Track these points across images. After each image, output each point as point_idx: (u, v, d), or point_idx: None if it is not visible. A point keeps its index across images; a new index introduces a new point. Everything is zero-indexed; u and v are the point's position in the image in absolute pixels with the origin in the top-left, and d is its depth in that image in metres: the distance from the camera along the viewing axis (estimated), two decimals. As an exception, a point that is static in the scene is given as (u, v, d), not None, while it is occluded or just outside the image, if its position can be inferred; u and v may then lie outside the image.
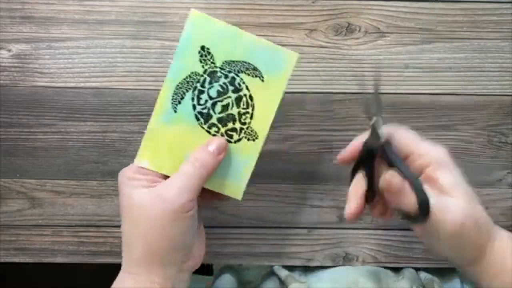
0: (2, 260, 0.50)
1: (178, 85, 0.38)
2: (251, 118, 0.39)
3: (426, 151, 0.36)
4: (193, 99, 0.39)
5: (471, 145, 0.51)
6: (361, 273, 0.49)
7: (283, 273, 0.50)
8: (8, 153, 0.50)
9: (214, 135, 0.39)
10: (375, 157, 0.37)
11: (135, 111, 0.50)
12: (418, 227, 0.37)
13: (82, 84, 0.50)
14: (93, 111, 0.50)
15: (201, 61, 0.38)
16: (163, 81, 0.51)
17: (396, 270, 0.51)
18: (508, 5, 0.51)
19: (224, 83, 0.39)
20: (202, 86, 0.38)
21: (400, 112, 0.51)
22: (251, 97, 0.39)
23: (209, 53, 0.38)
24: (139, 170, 0.38)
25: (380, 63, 0.51)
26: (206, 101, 0.39)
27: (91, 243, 0.51)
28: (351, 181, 0.39)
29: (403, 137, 0.38)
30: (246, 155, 0.39)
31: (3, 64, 0.50)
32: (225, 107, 0.39)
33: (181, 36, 0.38)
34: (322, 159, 0.51)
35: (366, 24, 0.51)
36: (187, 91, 0.38)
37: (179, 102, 0.38)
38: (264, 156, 0.41)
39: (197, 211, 0.37)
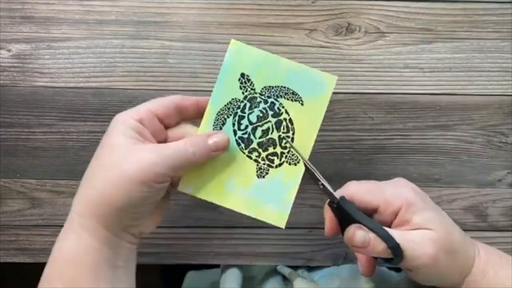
0: (2, 260, 0.50)
1: (219, 112, 0.39)
2: (292, 142, 0.39)
3: (392, 198, 0.38)
4: (234, 124, 0.39)
5: (471, 145, 0.51)
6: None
7: (286, 270, 0.50)
8: (8, 153, 0.50)
9: (255, 160, 0.39)
10: (350, 213, 0.38)
11: (135, 111, 0.50)
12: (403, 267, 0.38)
13: (82, 84, 0.50)
14: (93, 111, 0.50)
15: (241, 88, 0.39)
16: (163, 81, 0.51)
17: (397, 269, 0.51)
18: (508, 5, 0.51)
19: (264, 108, 0.39)
20: (243, 111, 0.39)
21: (400, 112, 0.51)
22: (291, 121, 0.39)
23: (248, 80, 0.39)
24: (135, 117, 0.36)
25: (379, 63, 0.51)
26: (246, 126, 0.39)
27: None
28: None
29: (366, 191, 0.39)
30: (288, 180, 0.39)
31: (3, 64, 0.50)
32: (265, 132, 0.39)
33: (222, 64, 0.39)
34: (322, 159, 0.51)
35: (366, 24, 0.51)
36: (228, 117, 0.39)
37: (221, 128, 0.39)
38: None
39: (166, 188, 0.36)
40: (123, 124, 0.36)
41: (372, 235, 0.35)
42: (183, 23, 0.50)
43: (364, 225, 0.36)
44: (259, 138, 0.39)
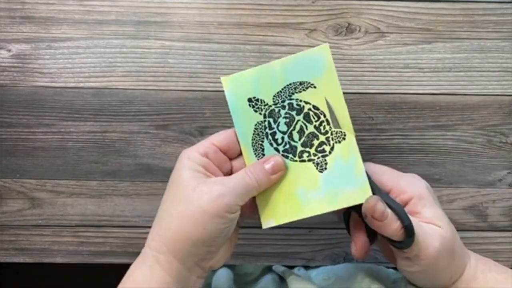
0: (2, 260, 0.50)
1: (252, 142, 0.39)
2: (328, 124, 0.39)
3: (406, 188, 0.38)
4: (271, 144, 0.39)
5: (471, 145, 0.51)
6: (361, 269, 0.49)
7: (280, 268, 0.50)
8: (8, 153, 0.50)
9: (309, 160, 0.39)
10: None
11: (135, 111, 0.50)
12: (401, 255, 0.38)
13: (82, 84, 0.50)
14: (93, 111, 0.50)
15: (256, 111, 0.39)
16: (163, 81, 0.51)
17: (395, 268, 0.51)
18: (508, 5, 0.51)
19: (286, 113, 0.39)
20: (271, 128, 0.39)
21: (400, 112, 0.51)
22: (315, 107, 0.39)
23: (257, 100, 0.39)
24: (200, 151, 0.37)
25: (379, 63, 0.51)
26: (282, 138, 0.39)
27: (91, 243, 0.51)
28: (347, 226, 0.41)
29: (383, 174, 0.39)
30: (348, 157, 0.38)
31: (3, 64, 0.50)
32: (300, 131, 0.39)
33: (227, 103, 0.39)
34: (322, 159, 0.51)
35: (366, 24, 0.51)
36: (262, 141, 0.39)
37: (263, 154, 0.39)
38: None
39: (237, 217, 0.37)
40: (189, 159, 0.37)
41: (390, 211, 0.35)
42: (183, 23, 0.50)
43: (385, 201, 0.36)
44: (299, 139, 0.39)
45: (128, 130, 0.50)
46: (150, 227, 0.51)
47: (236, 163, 0.40)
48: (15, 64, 0.50)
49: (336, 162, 0.39)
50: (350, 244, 0.40)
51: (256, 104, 0.39)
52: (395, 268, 0.51)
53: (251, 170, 0.37)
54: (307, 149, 0.39)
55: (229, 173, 0.39)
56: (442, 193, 0.51)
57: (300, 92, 0.39)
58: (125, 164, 0.50)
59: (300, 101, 0.39)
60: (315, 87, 0.39)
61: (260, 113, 0.39)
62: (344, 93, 0.50)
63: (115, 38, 0.50)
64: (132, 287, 0.36)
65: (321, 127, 0.39)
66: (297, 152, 0.39)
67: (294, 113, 0.39)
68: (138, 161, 0.50)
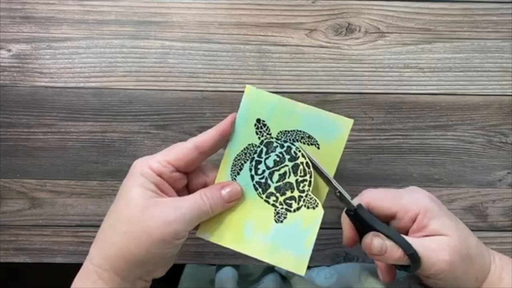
0: (2, 260, 0.50)
1: (236, 157, 0.39)
2: (309, 185, 0.39)
3: (410, 205, 0.38)
4: (251, 169, 0.39)
5: (471, 145, 0.51)
6: (364, 268, 0.49)
7: (284, 269, 0.50)
8: (8, 153, 0.50)
9: (273, 204, 0.39)
10: (367, 222, 0.38)
11: (135, 111, 0.50)
12: (421, 274, 0.38)
13: (82, 84, 0.50)
14: (93, 111, 0.50)
15: (257, 133, 0.39)
16: (163, 81, 0.51)
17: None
18: (508, 5, 0.51)
19: (280, 153, 0.39)
20: (259, 156, 0.39)
21: (400, 112, 0.51)
22: (308, 164, 0.39)
23: (264, 125, 0.39)
24: (155, 169, 0.36)
25: (379, 63, 0.51)
26: (263, 171, 0.39)
27: (91, 243, 0.50)
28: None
29: (383, 198, 0.39)
30: (307, 225, 0.38)
31: (3, 64, 0.50)
32: (282, 176, 0.39)
33: (238, 110, 0.39)
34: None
35: (366, 24, 0.51)
36: (245, 162, 0.39)
37: (238, 173, 0.39)
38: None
39: (184, 241, 0.37)
40: (142, 176, 0.36)
41: (389, 242, 0.36)
42: (183, 23, 0.50)
43: (382, 233, 0.36)
44: (276, 182, 0.39)
45: (128, 130, 0.50)
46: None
47: (193, 179, 0.39)
48: (15, 64, 0.50)
49: (294, 222, 0.38)
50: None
51: (261, 128, 0.39)
52: (397, 268, 0.51)
53: (207, 195, 0.36)
54: (278, 194, 0.39)
55: (184, 188, 0.39)
56: (442, 193, 0.51)
57: (304, 143, 0.39)
58: (125, 164, 0.50)
59: (299, 150, 0.39)
60: (318, 148, 0.39)
61: (259, 138, 0.39)
62: (344, 93, 0.51)
63: (115, 38, 0.50)
64: None
65: (302, 184, 0.39)
66: (268, 191, 0.39)
67: (287, 157, 0.39)
68: (138, 161, 0.50)
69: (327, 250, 0.51)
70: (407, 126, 0.51)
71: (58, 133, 0.50)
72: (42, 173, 0.50)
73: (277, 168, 0.39)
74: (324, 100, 0.51)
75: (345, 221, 0.39)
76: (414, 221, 0.38)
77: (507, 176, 0.51)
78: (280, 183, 0.39)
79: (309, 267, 0.52)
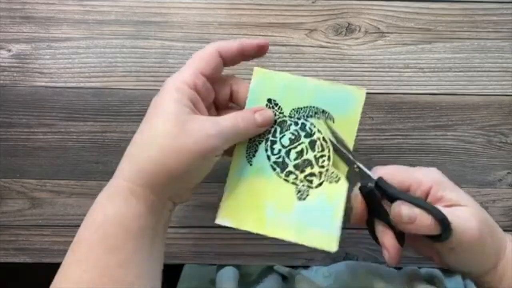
0: (2, 260, 0.50)
1: (251, 139, 0.38)
2: (328, 160, 0.38)
3: (423, 178, 0.37)
4: (266, 150, 0.38)
5: (471, 145, 0.51)
6: (361, 267, 0.49)
7: (285, 269, 0.50)
8: (8, 153, 0.50)
9: (293, 183, 0.38)
10: (379, 200, 0.37)
11: (135, 111, 0.50)
12: (445, 249, 0.37)
13: (82, 84, 0.50)
14: (93, 111, 0.50)
15: None
16: (163, 81, 0.51)
17: (398, 268, 0.51)
18: (508, 5, 0.51)
19: (295, 130, 0.38)
20: (274, 136, 0.38)
21: (400, 112, 0.51)
22: (324, 139, 0.38)
23: (276, 104, 0.38)
24: (190, 83, 0.35)
25: (379, 63, 0.51)
26: (279, 150, 0.38)
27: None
28: (372, 234, 0.39)
29: (396, 173, 0.38)
30: (332, 200, 0.37)
31: (3, 64, 0.50)
32: (299, 153, 0.38)
33: (248, 92, 0.38)
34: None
35: (366, 24, 0.51)
36: (259, 143, 0.38)
37: (254, 155, 0.38)
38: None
39: (218, 159, 0.36)
40: (178, 92, 0.35)
41: (417, 210, 0.34)
42: (183, 23, 0.50)
43: (409, 202, 0.35)
44: (294, 160, 0.38)
45: (128, 130, 0.50)
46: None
47: (218, 87, 0.38)
48: (15, 64, 0.50)
49: (318, 199, 0.37)
50: (382, 251, 0.38)
51: (273, 108, 0.38)
52: (398, 268, 0.51)
53: (243, 117, 0.36)
54: (297, 172, 0.38)
55: (212, 105, 0.39)
56: (442, 193, 0.51)
57: (318, 118, 0.38)
58: (125, 164, 0.50)
59: (314, 126, 0.38)
60: (333, 121, 0.38)
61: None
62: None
63: (115, 38, 0.50)
64: (106, 220, 0.34)
65: (321, 160, 0.38)
66: (286, 170, 0.38)
67: (302, 134, 0.38)
68: (138, 161, 0.50)
69: (327, 250, 0.51)
70: (407, 126, 0.51)
71: (58, 133, 0.50)
72: (42, 173, 0.50)
73: (294, 146, 0.38)
74: (324, 100, 0.51)
75: (357, 198, 0.38)
76: (427, 194, 0.37)
77: (507, 176, 0.51)
78: (298, 160, 0.38)
79: (307, 267, 0.52)
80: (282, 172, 0.38)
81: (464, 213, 0.35)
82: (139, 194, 0.34)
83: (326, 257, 0.51)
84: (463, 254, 0.36)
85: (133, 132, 0.50)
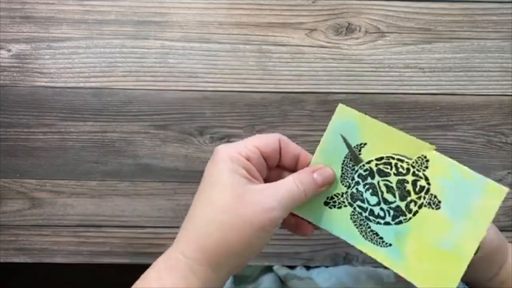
0: (2, 260, 0.50)
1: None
2: (402, 162, 0.34)
3: None
4: (378, 223, 0.34)
5: (471, 145, 0.51)
6: (362, 271, 0.49)
7: (283, 271, 0.50)
8: (8, 153, 0.50)
9: (421, 206, 0.34)
10: None
11: (135, 111, 0.50)
12: None
13: (82, 84, 0.50)
14: (93, 111, 0.50)
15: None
16: (163, 81, 0.51)
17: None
18: (508, 5, 0.51)
19: (365, 184, 0.35)
20: (365, 210, 0.35)
21: (400, 112, 0.51)
22: (380, 158, 0.35)
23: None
24: (243, 154, 0.34)
25: (379, 63, 0.51)
26: (381, 209, 0.34)
27: (91, 243, 0.50)
28: None
29: None
30: (448, 172, 0.34)
31: (3, 64, 0.50)
32: (389, 189, 0.34)
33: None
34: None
35: (366, 24, 0.51)
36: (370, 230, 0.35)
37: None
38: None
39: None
40: (231, 161, 0.33)
41: None
42: (183, 23, 0.50)
43: None
44: (395, 197, 0.34)
45: (128, 130, 0.50)
46: (150, 227, 0.51)
47: (272, 173, 0.36)
48: (15, 64, 0.50)
49: (443, 187, 0.34)
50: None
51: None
52: None
53: (300, 180, 0.34)
54: (409, 198, 0.34)
55: (265, 181, 0.36)
56: (442, 193, 0.51)
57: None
58: (125, 164, 0.50)
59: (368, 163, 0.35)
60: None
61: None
62: (344, 93, 0.51)
63: (115, 38, 0.50)
64: None
65: (400, 169, 0.34)
66: (403, 208, 0.34)
67: (369, 179, 0.35)
68: (138, 161, 0.50)
69: (327, 250, 0.51)
70: (407, 126, 0.51)
71: (58, 133, 0.50)
72: (42, 173, 0.50)
73: (379, 192, 0.35)
74: (324, 100, 0.51)
75: None
76: None
77: (507, 176, 0.51)
78: (397, 192, 0.34)
79: (308, 268, 0.52)
80: (405, 215, 0.34)
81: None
82: (199, 273, 0.33)
83: (326, 257, 0.51)
84: (475, 266, 0.35)
85: (133, 132, 0.50)
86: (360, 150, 0.35)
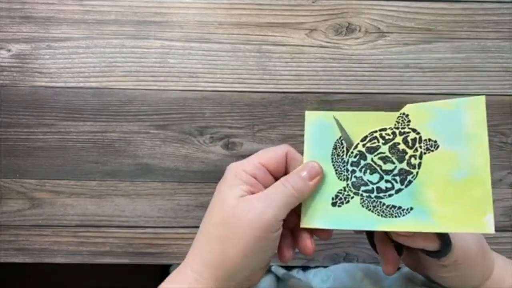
0: (2, 260, 0.50)
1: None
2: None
3: None
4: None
5: (471, 145, 0.51)
6: (360, 269, 0.49)
7: (280, 271, 0.50)
8: (8, 153, 0.50)
9: (421, 154, 0.34)
10: None
11: (135, 111, 0.50)
12: (437, 264, 0.37)
13: (82, 84, 0.50)
14: (93, 111, 0.50)
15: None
16: (163, 81, 0.51)
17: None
18: (508, 5, 0.51)
19: (361, 168, 0.35)
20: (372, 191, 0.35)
21: (400, 112, 0.51)
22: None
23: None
24: (248, 171, 0.35)
25: (380, 63, 0.51)
26: (386, 181, 0.34)
27: (91, 243, 0.50)
28: (371, 243, 0.39)
29: None
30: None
31: (3, 64, 0.50)
32: (384, 159, 0.35)
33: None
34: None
35: (366, 24, 0.51)
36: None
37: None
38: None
39: (278, 238, 0.35)
40: (235, 178, 0.35)
41: None
42: (183, 23, 0.50)
43: None
44: (394, 162, 0.34)
45: (128, 130, 0.50)
46: (150, 227, 0.51)
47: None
48: (15, 64, 0.50)
49: (431, 127, 0.34)
50: (380, 262, 0.38)
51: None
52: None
53: (286, 179, 0.35)
54: (407, 156, 0.34)
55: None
56: (442, 193, 0.51)
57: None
58: (125, 164, 0.50)
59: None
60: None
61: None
62: (344, 93, 0.51)
63: (115, 38, 0.50)
64: None
65: (386, 137, 0.35)
66: (406, 168, 0.34)
67: (362, 161, 0.35)
68: (138, 161, 0.50)
69: (327, 250, 0.51)
70: (407, 126, 0.51)
71: (58, 133, 0.50)
72: (42, 173, 0.50)
73: (374, 168, 0.35)
74: (324, 100, 0.51)
75: None
76: None
77: (507, 176, 0.51)
78: (394, 157, 0.34)
79: (305, 269, 0.52)
80: (412, 170, 0.34)
81: (463, 234, 0.36)
82: (204, 286, 0.34)
83: (326, 258, 0.51)
84: (454, 272, 0.37)
85: (133, 132, 0.50)
86: (342, 144, 0.36)
